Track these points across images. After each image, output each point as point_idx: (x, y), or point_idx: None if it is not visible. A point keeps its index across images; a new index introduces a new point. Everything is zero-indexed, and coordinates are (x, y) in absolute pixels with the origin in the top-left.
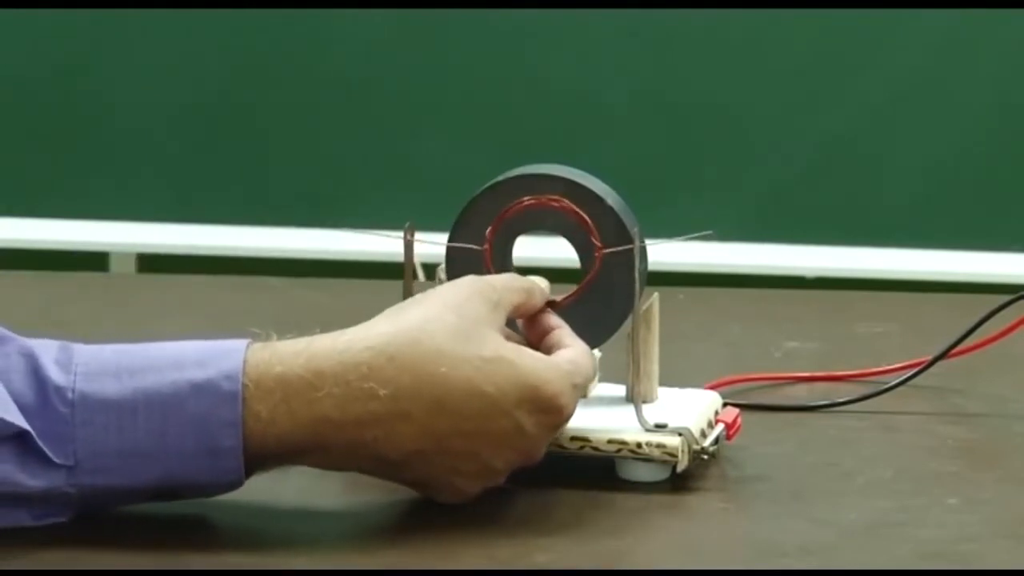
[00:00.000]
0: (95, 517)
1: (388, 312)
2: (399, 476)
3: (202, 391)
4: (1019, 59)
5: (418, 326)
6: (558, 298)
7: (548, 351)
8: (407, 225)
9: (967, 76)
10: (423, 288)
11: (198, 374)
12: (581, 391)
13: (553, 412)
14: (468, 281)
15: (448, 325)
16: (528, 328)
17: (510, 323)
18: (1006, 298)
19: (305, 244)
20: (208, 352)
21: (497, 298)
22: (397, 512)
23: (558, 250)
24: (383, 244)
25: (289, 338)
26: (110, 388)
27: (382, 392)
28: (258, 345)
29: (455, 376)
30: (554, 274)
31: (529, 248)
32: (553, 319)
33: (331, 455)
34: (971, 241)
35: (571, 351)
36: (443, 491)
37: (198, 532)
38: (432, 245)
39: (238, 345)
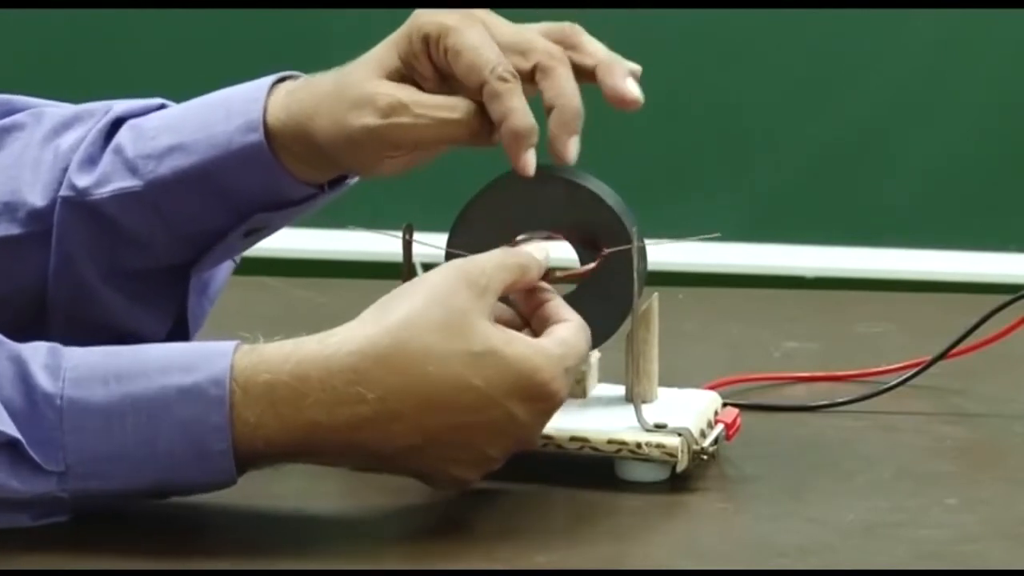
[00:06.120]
0: (95, 517)
1: (373, 309)
2: (395, 468)
3: (189, 396)
4: (1019, 59)
5: (403, 325)
6: (558, 272)
7: (541, 325)
8: (405, 225)
9: (967, 76)
10: None
11: (185, 379)
12: (575, 372)
13: (545, 399)
14: (455, 266)
15: (434, 321)
16: (521, 301)
17: (503, 296)
18: (1006, 298)
19: (305, 244)
20: (195, 356)
21: (486, 282)
22: (397, 513)
23: (558, 250)
24: (383, 244)
25: (279, 339)
26: (99, 394)
27: (370, 396)
28: (246, 348)
29: (444, 374)
30: None
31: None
32: (546, 292)
33: (323, 456)
34: (971, 241)
35: (563, 329)
36: (441, 480)
37: (198, 532)
38: (432, 246)
39: (225, 348)
